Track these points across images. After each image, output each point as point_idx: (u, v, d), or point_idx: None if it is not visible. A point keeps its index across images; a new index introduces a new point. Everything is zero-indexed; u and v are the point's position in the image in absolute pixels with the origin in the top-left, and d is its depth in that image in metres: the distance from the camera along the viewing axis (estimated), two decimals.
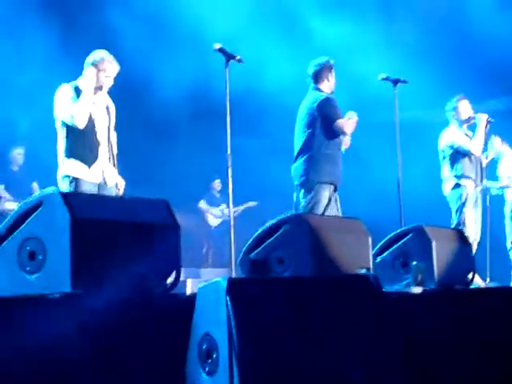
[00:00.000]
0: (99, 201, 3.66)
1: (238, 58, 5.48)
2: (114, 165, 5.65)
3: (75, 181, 5.35)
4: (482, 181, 7.43)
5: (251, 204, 10.89)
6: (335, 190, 6.33)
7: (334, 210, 6.25)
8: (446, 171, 7.39)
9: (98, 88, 5.53)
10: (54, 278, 3.41)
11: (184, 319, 3.29)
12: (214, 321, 3.09)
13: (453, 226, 7.13)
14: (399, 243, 5.14)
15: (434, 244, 5.03)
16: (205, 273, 9.33)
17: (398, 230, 5.27)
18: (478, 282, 6.94)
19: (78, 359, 3.18)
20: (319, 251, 4.28)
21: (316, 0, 9.37)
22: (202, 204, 11.56)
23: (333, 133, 6.25)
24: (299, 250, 4.22)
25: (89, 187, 5.38)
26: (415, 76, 6.96)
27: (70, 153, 5.41)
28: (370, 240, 4.81)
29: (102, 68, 5.49)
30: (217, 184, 11.57)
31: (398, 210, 6.05)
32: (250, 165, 8.75)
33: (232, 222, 5.21)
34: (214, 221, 11.58)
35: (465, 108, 7.46)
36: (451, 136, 7.39)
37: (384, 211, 6.36)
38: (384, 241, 5.29)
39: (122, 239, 3.53)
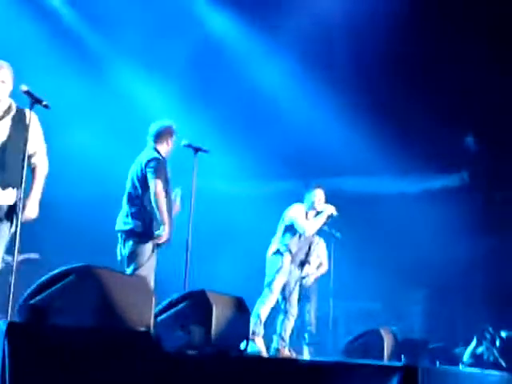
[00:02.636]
0: None
1: None
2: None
3: None
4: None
5: (32, 255, 10.46)
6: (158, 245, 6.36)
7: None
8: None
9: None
10: None
11: None
12: None
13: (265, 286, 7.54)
14: (180, 305, 5.23)
15: (213, 309, 5.17)
16: None
17: (181, 293, 5.37)
18: (261, 344, 7.26)
19: None
20: (102, 305, 4.25)
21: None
22: None
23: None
24: (82, 302, 4.17)
25: None
26: (216, 148, 7.19)
27: None
28: (153, 299, 4.85)
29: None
30: None
31: (184, 271, 6.17)
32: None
33: (14, 268, 5.03)
34: None
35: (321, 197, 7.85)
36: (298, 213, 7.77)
37: (171, 272, 6.44)
38: (166, 301, 5.37)
39: None
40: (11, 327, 2.97)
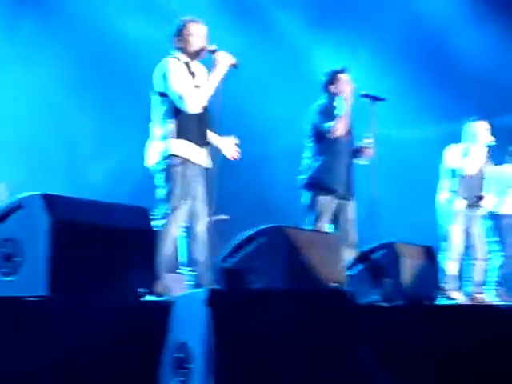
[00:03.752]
0: (79, 204, 3.65)
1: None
2: None
3: (181, 161, 4.94)
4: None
5: (223, 217, 10.66)
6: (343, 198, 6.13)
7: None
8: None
9: (196, 54, 5.08)
10: (31, 280, 3.41)
11: (158, 327, 3.31)
12: (191, 331, 3.11)
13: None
14: (370, 258, 5.20)
15: (403, 261, 5.10)
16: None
17: (370, 246, 5.33)
18: (459, 297, 7.05)
19: (51, 364, 3.18)
20: (294, 264, 4.31)
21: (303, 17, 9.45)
22: None
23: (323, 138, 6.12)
24: (275, 262, 4.24)
25: (194, 171, 4.99)
26: (391, 94, 6.97)
27: (179, 133, 4.97)
28: (343, 255, 4.85)
29: (194, 32, 5.07)
30: None
31: (373, 225, 6.08)
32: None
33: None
34: None
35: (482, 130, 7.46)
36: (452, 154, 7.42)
37: (359, 226, 6.37)
38: (356, 255, 5.37)
39: (101, 244, 3.53)
40: (212, 295, 3.05)
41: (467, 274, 7.40)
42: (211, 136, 5.35)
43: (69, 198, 3.61)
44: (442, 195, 7.45)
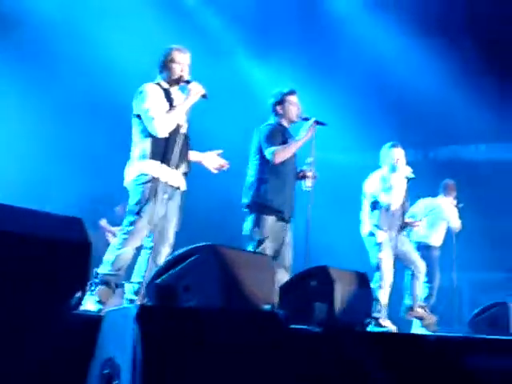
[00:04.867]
0: (10, 212, 3.53)
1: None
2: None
3: (152, 180, 5.12)
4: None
5: None
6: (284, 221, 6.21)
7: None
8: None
9: (176, 81, 5.38)
10: None
11: (87, 340, 3.22)
12: (119, 346, 3.04)
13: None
14: (303, 282, 5.18)
15: (336, 285, 5.09)
16: None
17: (303, 270, 5.32)
18: (388, 325, 7.09)
19: None
20: (227, 283, 4.26)
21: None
22: (103, 222, 11.37)
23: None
24: (207, 280, 4.19)
25: (164, 189, 5.14)
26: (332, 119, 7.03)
27: (152, 154, 5.18)
28: (275, 277, 4.83)
29: (177, 60, 5.35)
30: (121, 208, 11.43)
31: (305, 249, 6.09)
32: None
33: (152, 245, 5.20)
34: (113, 240, 11.39)
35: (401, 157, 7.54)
36: (375, 186, 7.51)
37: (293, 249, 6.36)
38: (289, 279, 5.36)
39: (30, 254, 3.41)
40: (142, 311, 2.99)
41: (406, 288, 7.51)
42: (191, 154, 5.42)
43: None
44: (365, 228, 7.45)
